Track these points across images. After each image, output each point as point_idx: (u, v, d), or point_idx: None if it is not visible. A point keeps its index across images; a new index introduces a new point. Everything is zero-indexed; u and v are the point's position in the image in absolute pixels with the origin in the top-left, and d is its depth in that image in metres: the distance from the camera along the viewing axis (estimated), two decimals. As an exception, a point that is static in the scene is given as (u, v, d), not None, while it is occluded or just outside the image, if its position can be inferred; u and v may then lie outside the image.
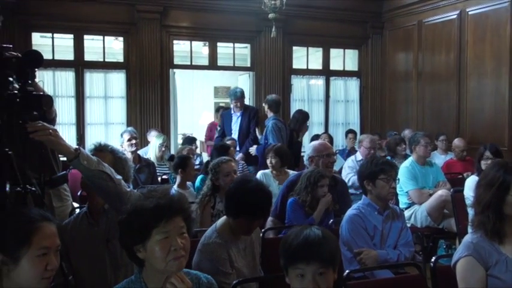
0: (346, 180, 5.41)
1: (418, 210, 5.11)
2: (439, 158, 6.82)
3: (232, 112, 6.90)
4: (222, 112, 7.66)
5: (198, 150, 7.54)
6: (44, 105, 2.55)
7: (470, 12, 7.25)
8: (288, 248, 1.95)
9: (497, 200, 2.32)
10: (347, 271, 2.90)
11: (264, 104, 6.83)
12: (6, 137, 2.64)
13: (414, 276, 2.97)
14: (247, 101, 8.71)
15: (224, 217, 2.86)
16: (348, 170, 6.06)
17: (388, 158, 6.40)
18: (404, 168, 5.34)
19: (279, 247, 2.01)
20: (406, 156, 6.16)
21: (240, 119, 6.80)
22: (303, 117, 6.90)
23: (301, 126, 6.82)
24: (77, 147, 2.33)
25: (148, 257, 1.88)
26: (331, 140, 7.71)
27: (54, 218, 1.91)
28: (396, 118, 8.90)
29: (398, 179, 5.22)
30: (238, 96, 6.77)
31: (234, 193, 2.79)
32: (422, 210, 5.08)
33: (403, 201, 5.31)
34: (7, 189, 2.72)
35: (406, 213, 5.02)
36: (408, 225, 4.17)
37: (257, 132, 7.03)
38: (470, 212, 4.22)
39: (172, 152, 7.14)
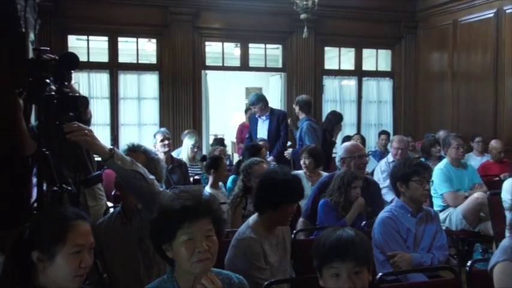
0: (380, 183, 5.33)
1: (453, 213, 5.01)
2: (475, 160, 6.67)
3: (257, 116, 6.88)
4: (249, 115, 7.66)
5: (229, 151, 7.56)
6: (80, 106, 2.61)
7: (507, 11, 7.07)
8: (322, 247, 1.94)
9: None
10: (380, 274, 2.86)
11: (294, 106, 6.78)
12: (43, 137, 2.71)
13: (449, 280, 2.91)
14: (278, 102, 8.76)
15: (255, 215, 2.88)
16: (381, 173, 5.98)
17: (422, 159, 6.31)
18: (439, 170, 5.24)
19: (312, 249, 2.00)
20: (440, 158, 6.04)
21: (267, 122, 6.75)
22: (335, 118, 6.85)
23: (333, 127, 6.79)
24: (111, 147, 2.36)
25: (175, 256, 1.90)
26: (363, 141, 7.63)
27: (88, 216, 1.94)
28: (430, 119, 8.75)
29: (432, 181, 5.14)
30: (253, 102, 6.69)
31: (269, 185, 2.82)
32: (457, 213, 4.98)
33: (437, 203, 5.21)
34: (44, 188, 2.80)
35: (441, 216, 4.92)
36: (443, 228, 4.09)
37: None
38: (508, 215, 4.15)
39: (204, 152, 7.19)
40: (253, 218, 2.88)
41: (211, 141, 9.15)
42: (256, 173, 4.05)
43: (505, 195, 4.34)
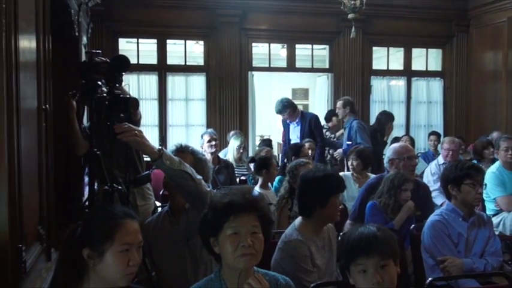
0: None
1: (507, 218, 4.82)
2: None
3: (288, 122, 6.80)
4: (282, 120, 7.63)
5: (275, 152, 7.55)
6: (131, 107, 2.67)
7: None
8: (346, 246, 1.99)
9: None
10: (430, 279, 2.80)
11: (340, 106, 6.71)
12: (95, 138, 2.79)
13: (503, 287, 2.81)
14: (324, 103, 8.70)
15: (300, 217, 2.88)
16: (431, 175, 5.82)
17: (474, 162, 6.11)
18: (491, 173, 5.06)
19: (338, 249, 2.03)
20: (493, 161, 5.84)
21: (298, 128, 6.68)
22: (385, 118, 6.77)
23: (384, 126, 6.70)
24: (160, 147, 2.40)
25: (221, 251, 1.93)
26: (412, 142, 7.47)
27: (137, 215, 1.97)
28: (483, 120, 8.46)
29: (485, 184, 4.97)
30: (280, 111, 6.70)
31: (313, 184, 2.84)
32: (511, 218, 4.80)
33: (490, 207, 5.04)
34: (95, 187, 2.88)
35: (494, 221, 4.75)
36: (496, 233, 3.95)
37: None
38: None
39: (250, 153, 7.22)
40: (299, 220, 2.87)
41: (257, 142, 9.19)
42: None
43: None
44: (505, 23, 7.84)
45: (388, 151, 4.39)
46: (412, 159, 4.21)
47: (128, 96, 2.99)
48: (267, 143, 7.47)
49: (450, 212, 3.24)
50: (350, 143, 6.23)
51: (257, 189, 4.80)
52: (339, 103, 6.73)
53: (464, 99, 8.83)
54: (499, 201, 4.92)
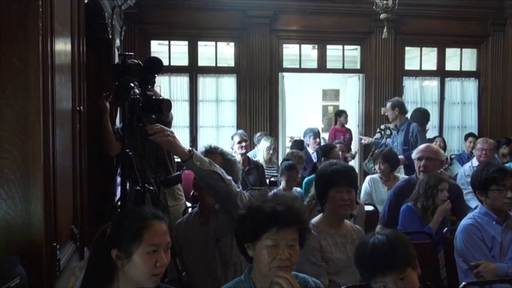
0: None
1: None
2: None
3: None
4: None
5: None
6: (164, 109, 2.71)
7: None
8: (362, 263, 1.99)
9: None
10: (463, 283, 2.74)
11: (388, 108, 6.51)
12: (127, 139, 2.83)
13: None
14: (355, 104, 8.62)
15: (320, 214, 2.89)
16: (465, 178, 5.69)
17: (510, 164, 5.96)
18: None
19: (355, 262, 2.07)
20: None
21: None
22: (420, 116, 6.54)
23: (421, 125, 6.45)
24: (190, 148, 2.43)
25: (255, 257, 1.91)
26: (444, 144, 7.34)
27: (166, 216, 1.97)
28: (519, 121, 8.25)
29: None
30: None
31: (319, 178, 2.90)
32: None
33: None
34: (127, 187, 2.92)
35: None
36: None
37: None
38: None
39: (280, 154, 7.20)
40: (319, 215, 2.88)
41: (287, 143, 9.16)
42: None
43: None
44: (543, 22, 7.64)
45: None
46: (422, 159, 4.20)
47: (162, 98, 3.02)
48: (298, 144, 7.42)
49: (483, 215, 3.17)
50: (407, 147, 6.01)
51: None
52: (388, 105, 6.54)
53: (500, 100, 8.61)
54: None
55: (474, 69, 8.87)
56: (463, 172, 5.80)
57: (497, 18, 8.50)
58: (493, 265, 3.02)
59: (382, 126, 7.56)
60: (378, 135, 7.45)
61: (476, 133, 8.39)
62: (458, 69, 8.87)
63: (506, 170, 3.21)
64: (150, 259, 1.82)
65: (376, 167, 5.18)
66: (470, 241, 3.10)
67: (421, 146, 4.53)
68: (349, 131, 8.36)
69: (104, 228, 1.92)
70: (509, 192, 3.09)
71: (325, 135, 9.44)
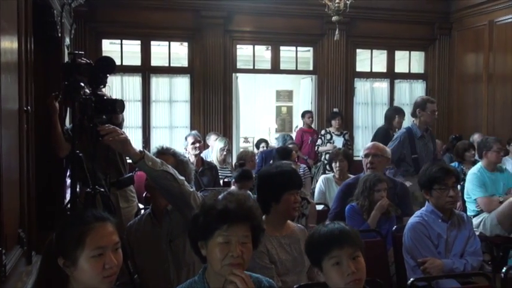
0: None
1: (487, 218, 4.88)
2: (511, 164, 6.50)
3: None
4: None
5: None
6: (118, 109, 2.67)
7: (546, 11, 6.89)
8: (318, 241, 2.03)
9: None
10: (411, 279, 2.83)
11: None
12: (77, 139, 2.78)
13: (483, 287, 2.85)
14: (308, 105, 8.75)
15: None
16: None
17: (455, 164, 6.18)
18: (473, 174, 5.12)
19: (305, 247, 2.13)
20: (474, 163, 5.91)
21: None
22: (390, 113, 6.55)
23: (391, 122, 6.42)
24: (142, 149, 2.41)
25: (208, 255, 1.91)
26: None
27: (111, 216, 1.93)
28: (464, 122, 8.57)
29: (461, 185, 5.02)
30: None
31: (267, 180, 2.89)
32: (492, 218, 4.86)
33: (471, 208, 5.09)
34: (78, 189, 2.86)
35: (475, 221, 4.82)
36: (477, 233, 4.00)
37: None
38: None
39: (234, 155, 7.21)
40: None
41: (242, 144, 9.19)
42: None
43: None
44: (486, 26, 7.96)
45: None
46: (369, 156, 4.31)
47: (116, 98, 2.98)
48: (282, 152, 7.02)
49: (430, 213, 3.28)
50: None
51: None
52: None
53: (446, 101, 8.92)
54: (479, 201, 4.98)
55: (422, 71, 9.17)
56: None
57: (443, 23, 8.81)
58: (439, 261, 3.13)
59: (323, 132, 7.74)
60: (319, 141, 7.63)
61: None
62: (407, 71, 9.15)
63: (448, 170, 3.33)
64: (97, 263, 1.78)
65: (335, 164, 5.27)
66: (418, 238, 3.21)
67: (368, 144, 4.65)
68: (316, 131, 8.42)
69: (52, 238, 1.86)
70: (451, 191, 3.22)
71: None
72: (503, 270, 2.71)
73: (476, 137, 7.07)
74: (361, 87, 8.87)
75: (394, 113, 6.47)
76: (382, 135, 6.15)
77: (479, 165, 5.26)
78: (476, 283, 3.08)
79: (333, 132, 7.72)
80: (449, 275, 3.07)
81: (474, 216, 4.99)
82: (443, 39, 8.90)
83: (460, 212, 3.47)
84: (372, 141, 5.89)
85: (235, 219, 1.87)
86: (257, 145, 8.11)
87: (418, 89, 9.10)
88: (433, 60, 9.01)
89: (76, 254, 1.77)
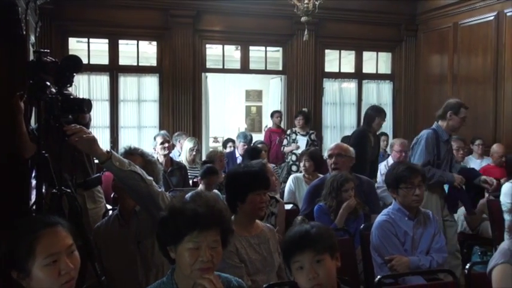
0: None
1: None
2: (475, 163, 6.67)
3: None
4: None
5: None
6: (86, 109, 2.63)
7: (508, 14, 7.07)
8: (283, 246, 2.08)
9: None
10: (378, 277, 2.87)
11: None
12: (43, 140, 2.72)
13: (448, 283, 2.92)
14: (278, 105, 8.78)
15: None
16: (380, 176, 5.94)
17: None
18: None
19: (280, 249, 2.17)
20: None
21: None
22: (371, 113, 6.01)
23: (370, 123, 5.94)
24: (109, 149, 2.38)
25: (177, 259, 1.89)
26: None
27: (62, 219, 1.86)
28: (430, 122, 8.62)
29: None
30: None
31: (234, 180, 2.91)
32: (458, 215, 4.97)
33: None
34: (43, 190, 2.80)
35: (440, 219, 4.92)
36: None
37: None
38: (507, 218, 4.15)
39: (204, 155, 7.18)
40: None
41: (211, 144, 9.16)
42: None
43: (503, 199, 4.32)
44: (450, 28, 8.15)
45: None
46: (333, 157, 4.36)
47: (83, 97, 2.93)
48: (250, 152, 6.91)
49: (396, 211, 3.34)
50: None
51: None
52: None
53: (413, 101, 9.09)
54: (445, 199, 5.08)
55: (389, 72, 9.31)
56: (379, 171, 6.06)
57: (409, 24, 8.98)
58: (406, 259, 3.19)
59: (288, 131, 7.73)
60: (285, 142, 7.61)
61: (391, 133, 8.82)
62: (374, 71, 9.28)
63: (414, 169, 3.40)
64: (51, 271, 1.71)
65: (301, 164, 5.31)
66: (385, 236, 3.26)
67: (331, 145, 4.68)
68: (285, 131, 8.43)
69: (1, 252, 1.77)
70: (417, 189, 3.28)
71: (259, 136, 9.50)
72: (467, 267, 2.78)
73: (441, 137, 7.21)
74: (330, 87, 8.96)
75: (375, 113, 5.96)
76: (359, 137, 5.84)
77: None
78: (441, 279, 3.15)
79: (298, 132, 7.65)
80: (416, 271, 3.12)
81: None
82: (409, 41, 9.07)
83: (425, 210, 3.54)
84: (351, 143, 5.56)
85: (205, 225, 1.84)
86: (224, 145, 8.08)
87: (386, 90, 9.26)
88: (399, 61, 9.17)
89: (28, 264, 1.70)
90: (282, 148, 7.72)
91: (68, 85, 2.80)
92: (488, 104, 7.43)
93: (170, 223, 1.88)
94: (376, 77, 9.27)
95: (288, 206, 4.56)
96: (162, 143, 5.65)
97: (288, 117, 8.56)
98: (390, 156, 6.20)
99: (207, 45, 8.31)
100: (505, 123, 7.20)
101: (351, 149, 4.56)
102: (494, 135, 7.26)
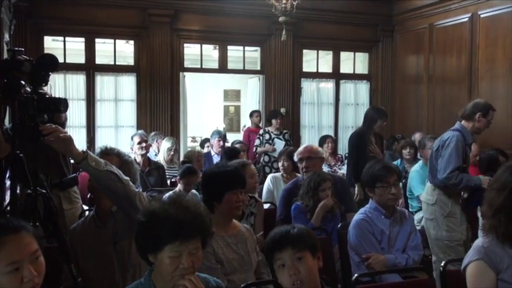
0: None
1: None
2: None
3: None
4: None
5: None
6: (62, 108, 2.60)
7: (482, 15, 7.20)
8: (266, 246, 2.12)
9: (509, 204, 2.29)
10: (355, 275, 2.89)
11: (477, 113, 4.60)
12: (18, 139, 2.68)
13: (423, 280, 2.95)
14: (256, 105, 8.79)
15: None
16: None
17: (398, 162, 6.37)
18: (415, 172, 5.30)
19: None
20: (413, 160, 6.12)
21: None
22: (373, 114, 5.77)
23: (371, 125, 5.73)
24: (85, 149, 2.35)
25: (157, 265, 1.85)
26: (335, 143, 7.63)
27: (26, 223, 1.79)
28: (406, 122, 8.85)
29: (403, 183, 5.17)
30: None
31: (210, 179, 2.93)
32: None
33: (413, 205, 5.27)
34: (18, 191, 2.76)
35: (416, 217, 4.98)
36: (418, 228, 4.14)
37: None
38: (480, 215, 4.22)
39: (182, 155, 7.14)
40: None
41: (189, 144, 9.12)
42: (249, 174, 4.00)
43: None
44: (426, 29, 8.26)
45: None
46: (303, 161, 4.36)
47: (59, 97, 2.89)
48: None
49: (373, 210, 3.37)
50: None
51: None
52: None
53: (389, 101, 9.17)
54: (421, 198, 5.14)
55: (366, 72, 9.40)
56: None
57: (386, 25, 9.07)
58: (382, 257, 3.22)
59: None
60: (257, 142, 7.40)
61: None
62: (351, 72, 9.35)
63: (390, 168, 3.43)
64: (13, 278, 1.63)
65: (280, 164, 5.33)
66: (362, 235, 3.29)
67: (300, 148, 4.68)
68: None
69: None
70: (393, 188, 3.32)
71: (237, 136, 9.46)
72: (442, 264, 2.82)
73: (417, 136, 7.31)
74: (308, 87, 8.99)
75: (377, 115, 5.68)
76: (357, 139, 5.64)
77: (420, 163, 5.45)
78: (417, 277, 3.19)
79: (272, 132, 7.44)
80: (392, 269, 3.16)
81: (417, 211, 5.16)
82: (386, 41, 9.16)
83: (401, 209, 3.58)
84: (350, 145, 5.65)
85: (188, 236, 1.80)
86: (202, 145, 8.05)
87: (363, 90, 9.33)
88: (376, 62, 9.26)
89: None
90: (255, 149, 7.44)
91: (43, 84, 2.76)
92: (463, 104, 7.40)
93: (151, 230, 1.83)
94: (354, 77, 9.34)
95: (266, 205, 4.57)
96: (139, 143, 5.62)
97: (266, 117, 8.56)
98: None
99: (185, 45, 8.27)
100: (479, 123, 7.30)
101: (320, 149, 4.59)
102: (468, 135, 7.36)
